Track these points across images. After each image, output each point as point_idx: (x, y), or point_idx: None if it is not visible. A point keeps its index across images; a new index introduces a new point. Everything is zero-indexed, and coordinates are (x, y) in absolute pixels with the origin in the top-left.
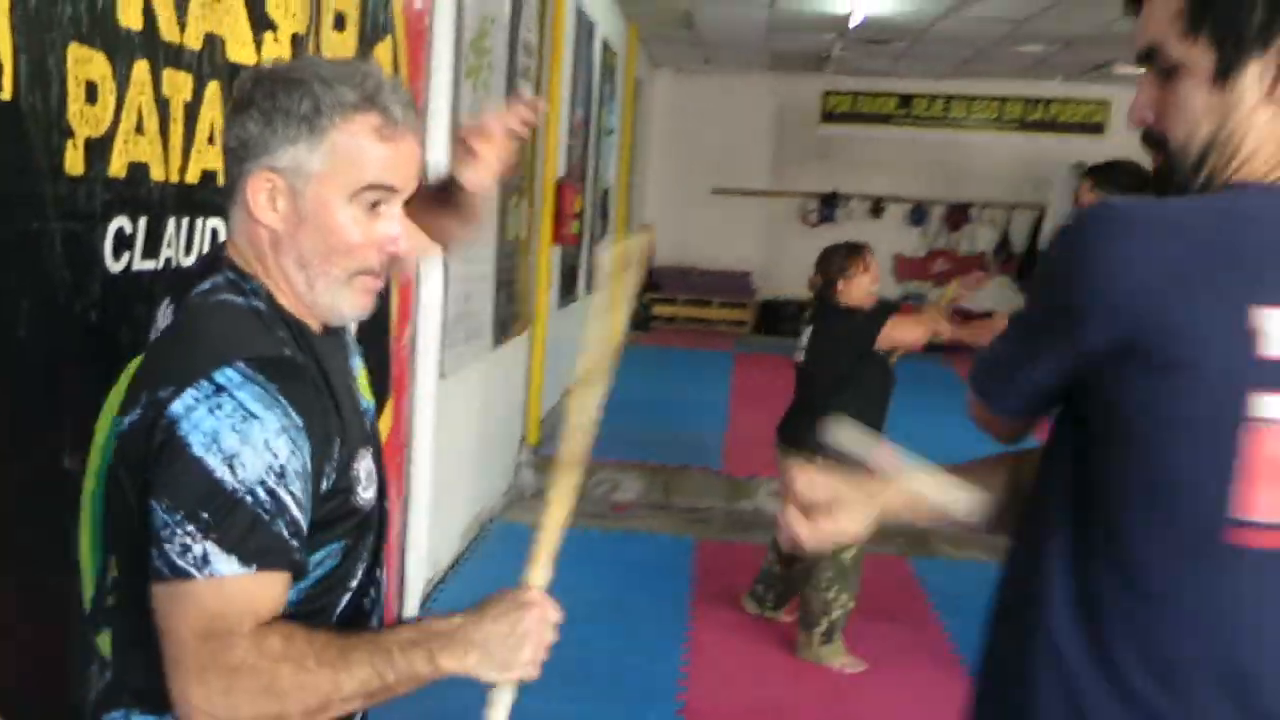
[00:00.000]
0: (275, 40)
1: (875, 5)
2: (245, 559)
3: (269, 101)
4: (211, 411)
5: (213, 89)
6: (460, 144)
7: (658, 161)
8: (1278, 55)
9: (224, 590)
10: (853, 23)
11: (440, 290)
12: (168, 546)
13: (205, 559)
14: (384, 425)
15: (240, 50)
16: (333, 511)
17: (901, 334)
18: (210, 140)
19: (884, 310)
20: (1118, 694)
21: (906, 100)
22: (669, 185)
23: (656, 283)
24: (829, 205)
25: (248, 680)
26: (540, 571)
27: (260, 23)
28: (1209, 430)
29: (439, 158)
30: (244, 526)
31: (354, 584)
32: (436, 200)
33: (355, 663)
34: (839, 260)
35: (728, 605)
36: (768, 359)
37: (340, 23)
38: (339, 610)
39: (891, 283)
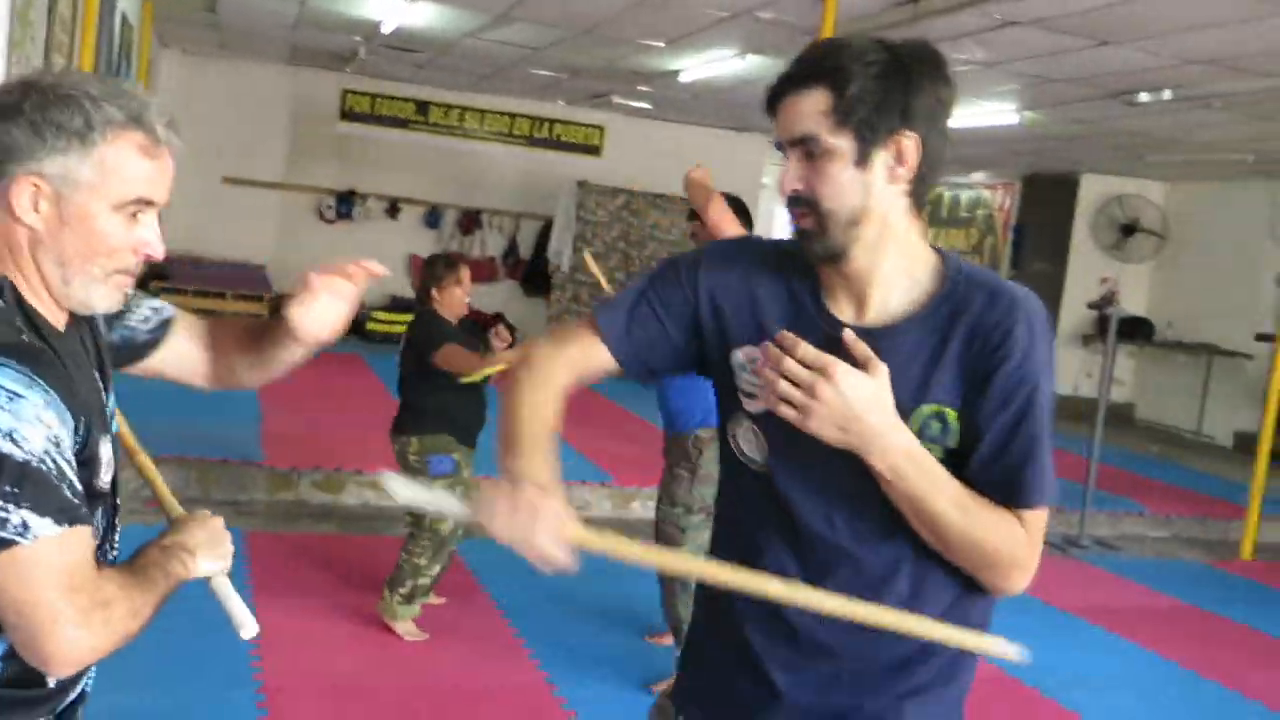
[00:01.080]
0: None
1: (408, 16)
2: (58, 519)
3: (39, 114)
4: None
5: None
6: (302, 281)
7: None
8: (895, 148)
9: (61, 546)
10: (384, 30)
11: None
12: None
13: (25, 525)
14: None
15: None
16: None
17: (450, 363)
18: None
19: (448, 335)
20: None
21: (424, 107)
22: (177, 172)
23: (164, 273)
24: (346, 203)
25: (118, 609)
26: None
27: None
28: None
29: None
30: (46, 491)
31: None
32: (255, 332)
33: (152, 580)
34: (438, 270)
35: (288, 591)
36: None
37: None
38: None
39: (406, 282)
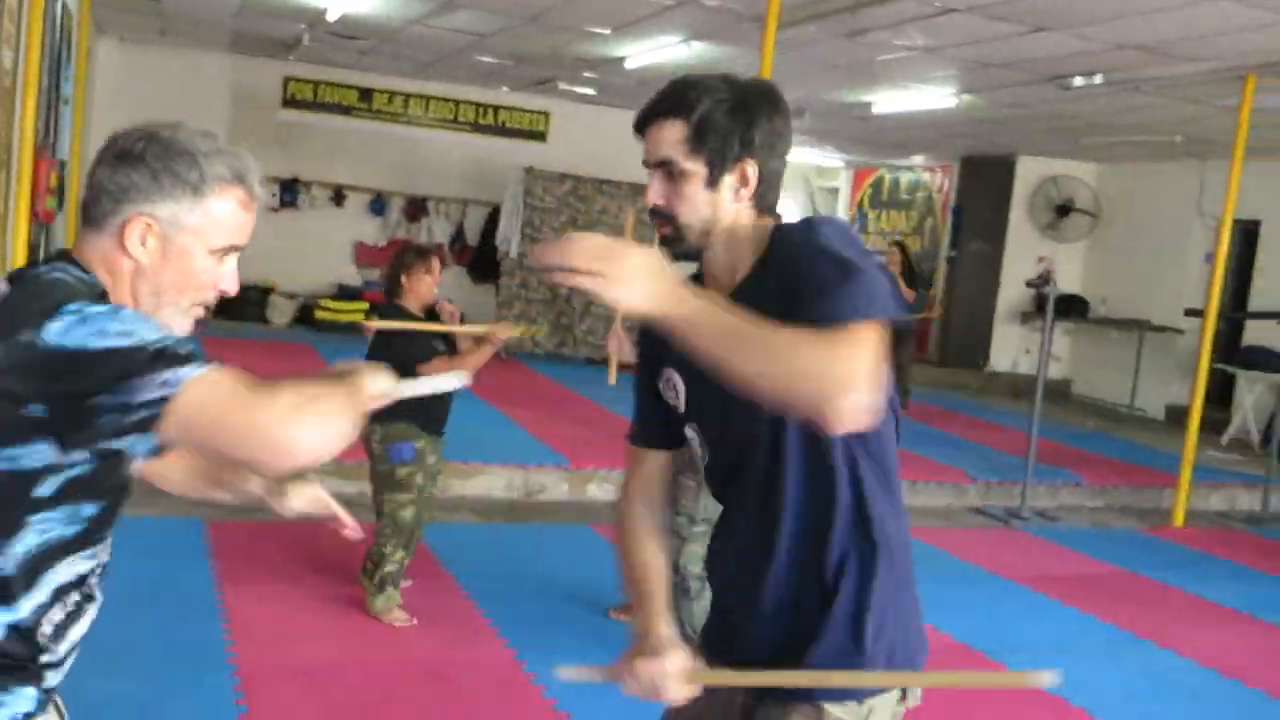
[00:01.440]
0: None
1: (354, 3)
2: (197, 365)
3: (160, 163)
4: (81, 322)
5: None
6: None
7: (103, 133)
8: (739, 172)
9: (212, 376)
10: (329, 17)
11: None
12: (139, 398)
13: (178, 377)
14: None
15: None
16: (112, 467)
17: (436, 370)
18: None
19: (435, 350)
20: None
21: (368, 94)
22: None
23: None
24: (290, 191)
25: (303, 394)
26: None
27: None
28: None
29: None
30: (173, 357)
31: (90, 556)
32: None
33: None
34: (409, 259)
35: (255, 579)
36: (235, 342)
37: None
38: (59, 583)
39: (354, 270)
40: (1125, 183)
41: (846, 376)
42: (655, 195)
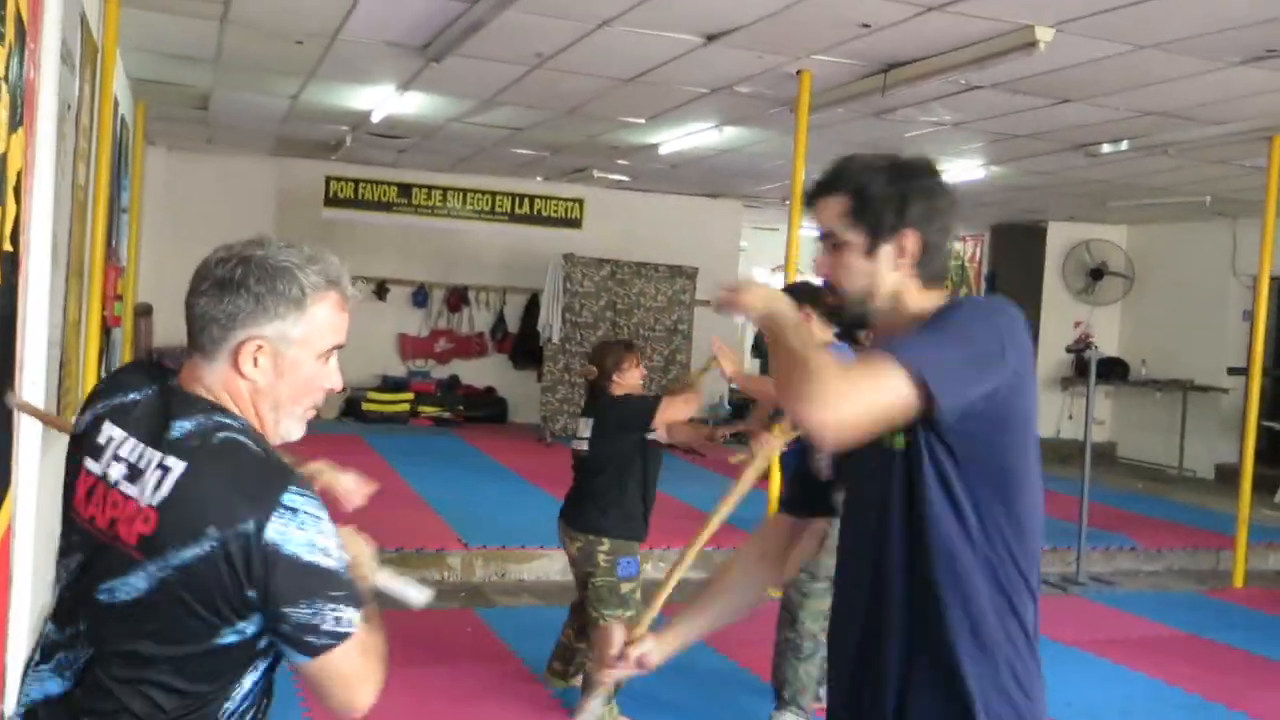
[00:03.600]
0: None
1: (396, 105)
2: (358, 606)
3: (262, 286)
4: (295, 525)
5: None
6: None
7: (154, 240)
8: (898, 242)
9: (363, 634)
10: (374, 119)
11: (44, 372)
12: (324, 626)
13: (350, 620)
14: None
15: None
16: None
17: (675, 409)
18: None
19: (654, 397)
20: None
21: (407, 189)
22: (166, 264)
23: (161, 365)
24: None
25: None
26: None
27: None
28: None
29: (43, 226)
30: (353, 589)
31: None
32: None
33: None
34: (614, 356)
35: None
36: None
37: (15, 123)
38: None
39: (398, 361)
40: (1158, 244)
41: (827, 391)
42: (822, 266)
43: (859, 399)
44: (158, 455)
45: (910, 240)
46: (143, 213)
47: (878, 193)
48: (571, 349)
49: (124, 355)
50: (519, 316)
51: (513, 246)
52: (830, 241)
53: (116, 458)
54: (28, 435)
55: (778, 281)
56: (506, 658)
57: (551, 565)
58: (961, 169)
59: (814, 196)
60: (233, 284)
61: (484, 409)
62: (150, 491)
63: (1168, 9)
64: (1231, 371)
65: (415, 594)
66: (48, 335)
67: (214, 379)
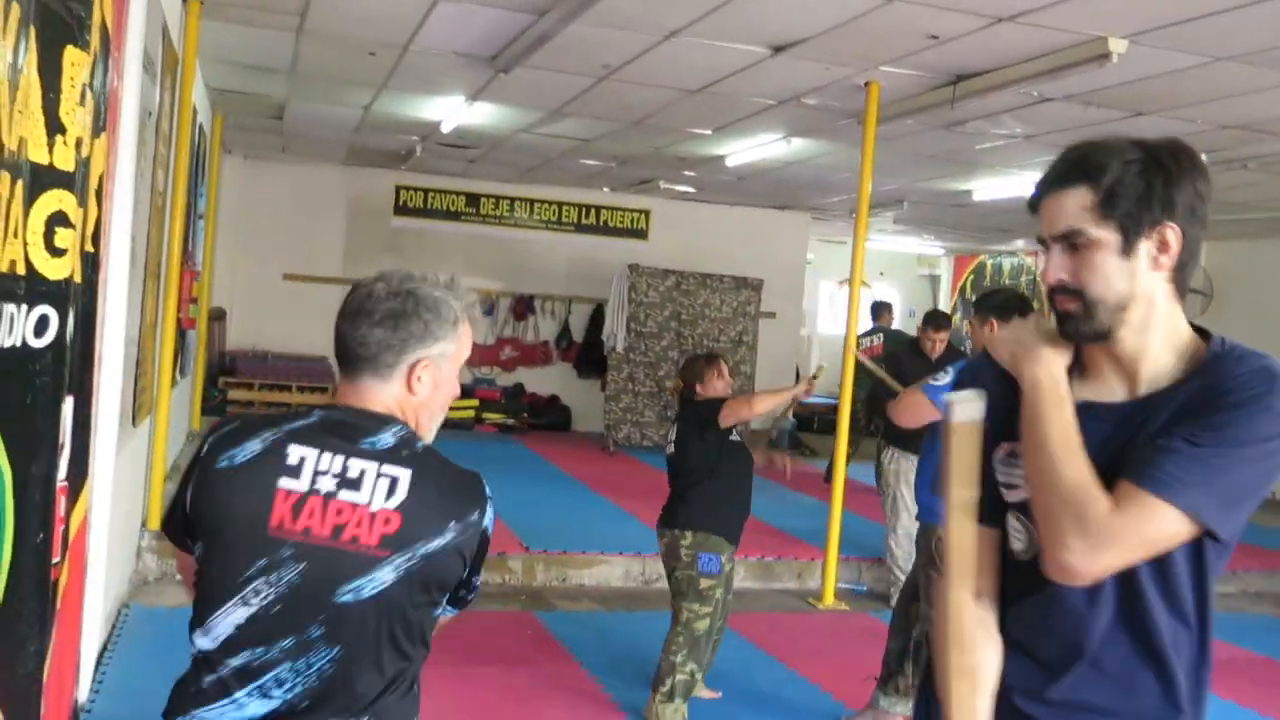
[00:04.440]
0: (64, 144)
1: (465, 116)
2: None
3: (430, 314)
4: (493, 507)
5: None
6: None
7: (227, 246)
8: (1158, 238)
9: None
10: (444, 129)
11: (120, 369)
12: (476, 584)
13: (479, 581)
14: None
15: (37, 151)
16: None
17: (736, 409)
18: (14, 234)
19: (722, 399)
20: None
21: (475, 199)
22: (239, 270)
23: (231, 367)
24: None
25: None
26: None
27: (53, 128)
28: None
29: (123, 228)
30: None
31: None
32: None
33: None
34: (698, 368)
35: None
36: None
37: (98, 129)
38: None
39: (465, 369)
40: (1238, 260)
41: (1097, 532)
42: (1057, 269)
43: (1127, 547)
44: (374, 464)
45: (1173, 235)
46: (218, 219)
47: (1134, 182)
48: (636, 359)
49: (199, 357)
50: (584, 326)
51: (579, 256)
52: (1070, 241)
53: (321, 473)
54: (105, 432)
55: (843, 296)
56: (565, 659)
57: (611, 571)
58: (1033, 181)
59: (1045, 192)
60: (405, 315)
61: (548, 417)
62: (384, 497)
63: (1244, 19)
64: None
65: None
66: (125, 334)
67: (390, 397)
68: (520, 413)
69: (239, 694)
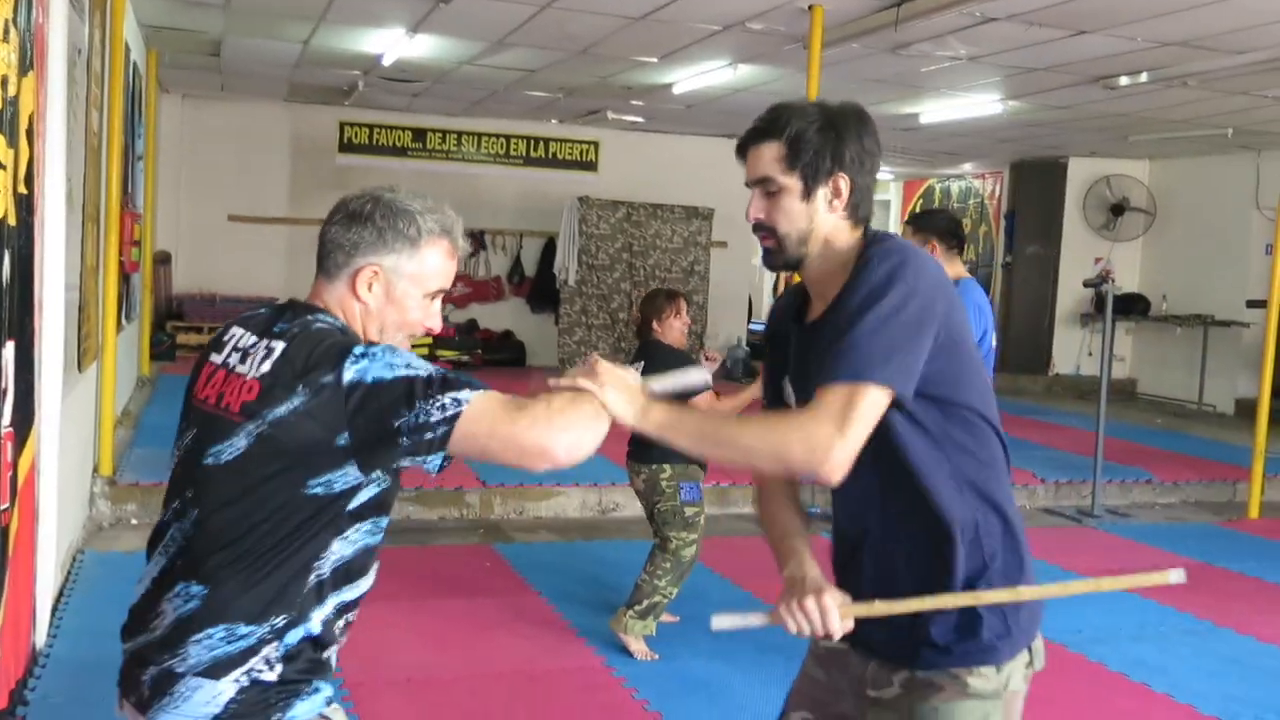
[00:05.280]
0: None
1: (408, 48)
2: (472, 389)
3: (385, 221)
4: (370, 360)
5: None
6: None
7: (169, 188)
8: (832, 185)
9: (487, 399)
10: (384, 62)
11: (62, 314)
12: (433, 419)
13: (459, 400)
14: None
15: None
16: (397, 485)
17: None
18: None
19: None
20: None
21: (421, 134)
22: (183, 212)
23: (179, 311)
24: None
25: (562, 407)
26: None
27: None
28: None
29: (57, 170)
30: (454, 383)
31: (371, 574)
32: None
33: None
34: (659, 304)
35: None
36: None
37: (25, 67)
38: (342, 601)
39: None
40: (1179, 178)
41: (813, 440)
42: (756, 210)
43: (855, 438)
44: (265, 341)
45: (844, 183)
46: (158, 160)
47: (813, 138)
48: (588, 291)
49: (145, 301)
50: (536, 260)
51: (528, 190)
52: (765, 188)
53: (235, 349)
54: (49, 377)
55: None
56: (524, 590)
57: (568, 502)
58: (979, 104)
59: (747, 144)
60: (361, 216)
61: (502, 352)
62: (255, 367)
63: None
64: (1251, 304)
65: (694, 376)
66: (65, 279)
67: (333, 297)
68: (474, 349)
69: (155, 552)
